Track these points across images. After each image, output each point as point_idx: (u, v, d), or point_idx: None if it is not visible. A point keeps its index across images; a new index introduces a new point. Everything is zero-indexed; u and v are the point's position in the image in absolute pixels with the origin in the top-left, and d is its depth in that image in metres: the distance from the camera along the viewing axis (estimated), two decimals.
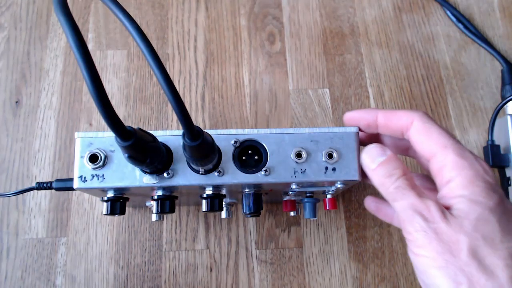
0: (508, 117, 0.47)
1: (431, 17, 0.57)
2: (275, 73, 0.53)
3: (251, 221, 0.46)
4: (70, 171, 0.47)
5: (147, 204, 0.41)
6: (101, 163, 0.30)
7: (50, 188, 0.37)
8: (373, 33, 0.56)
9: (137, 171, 0.31)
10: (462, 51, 0.55)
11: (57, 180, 0.37)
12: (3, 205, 0.46)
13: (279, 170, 0.31)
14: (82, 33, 0.21)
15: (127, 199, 0.35)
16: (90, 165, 0.30)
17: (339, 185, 0.33)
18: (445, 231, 0.23)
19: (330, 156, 0.31)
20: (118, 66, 0.52)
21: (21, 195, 0.46)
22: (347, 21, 0.56)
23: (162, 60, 0.23)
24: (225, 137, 0.32)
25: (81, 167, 0.30)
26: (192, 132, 0.25)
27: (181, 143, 0.27)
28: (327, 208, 0.38)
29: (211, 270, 0.45)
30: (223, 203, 0.38)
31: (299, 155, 0.31)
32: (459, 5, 0.58)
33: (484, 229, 0.23)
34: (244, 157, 0.32)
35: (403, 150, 0.33)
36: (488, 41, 0.55)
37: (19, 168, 0.47)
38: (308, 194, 0.37)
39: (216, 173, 0.31)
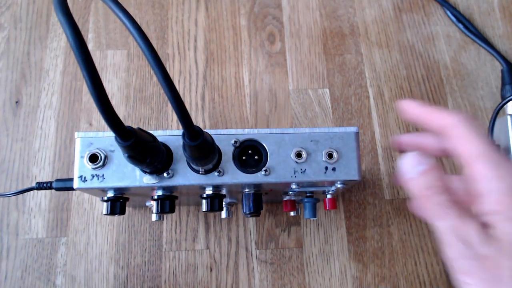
0: (508, 117, 0.47)
1: (431, 17, 0.57)
2: (275, 73, 0.53)
3: (251, 221, 0.46)
4: (70, 171, 0.47)
5: (147, 204, 0.41)
6: (101, 163, 0.30)
7: (50, 188, 0.37)
8: (373, 33, 0.56)
9: (137, 171, 0.31)
10: (462, 51, 0.55)
11: (57, 180, 0.37)
12: (3, 205, 0.46)
13: (279, 170, 0.31)
14: (82, 33, 0.21)
15: (127, 199, 0.35)
16: (90, 165, 0.30)
17: (339, 185, 0.33)
18: (487, 256, 0.22)
19: (330, 156, 0.31)
20: (118, 66, 0.52)
21: (21, 195, 0.46)
22: (347, 21, 0.56)
23: (162, 60, 0.23)
24: (225, 137, 0.32)
25: (81, 167, 0.30)
26: (192, 132, 0.25)
27: (181, 143, 0.27)
28: (327, 208, 0.38)
29: (211, 270, 0.45)
30: (223, 203, 0.38)
31: (299, 155, 0.31)
32: (459, 5, 0.58)
33: None
34: (244, 157, 0.32)
35: (442, 151, 0.31)
36: (488, 41, 0.55)
37: (19, 168, 0.47)
38: (308, 194, 0.37)
39: (216, 173, 0.31)
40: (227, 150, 0.32)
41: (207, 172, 0.31)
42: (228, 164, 0.31)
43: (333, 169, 0.31)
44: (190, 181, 0.31)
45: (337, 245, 0.46)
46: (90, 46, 0.53)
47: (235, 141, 0.32)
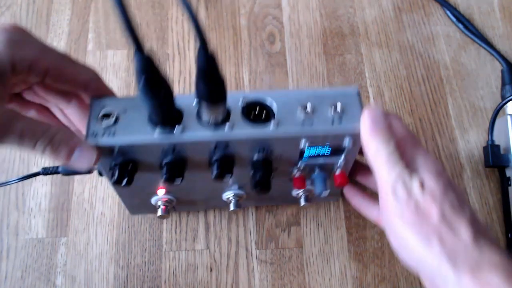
0: (508, 117, 0.47)
1: (431, 17, 0.57)
2: (275, 73, 0.53)
3: (251, 221, 0.46)
4: None
5: (152, 200, 0.41)
6: (113, 120, 0.31)
7: (56, 172, 0.37)
8: (373, 33, 0.56)
9: (148, 127, 0.31)
10: (462, 51, 0.55)
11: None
12: (3, 205, 0.46)
13: (287, 124, 0.32)
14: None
15: (135, 169, 0.34)
16: (102, 121, 0.31)
17: (347, 144, 0.34)
18: (422, 202, 0.28)
19: (335, 108, 0.33)
20: (118, 66, 0.52)
21: (21, 195, 0.46)
22: (347, 21, 0.56)
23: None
24: (232, 97, 0.32)
25: (93, 124, 0.31)
26: (207, 45, 0.26)
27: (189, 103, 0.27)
28: (338, 183, 0.38)
29: (211, 270, 0.45)
30: (231, 175, 0.37)
31: (305, 109, 0.32)
32: (459, 5, 0.58)
33: (449, 198, 0.28)
34: (252, 115, 0.33)
35: None
36: (488, 41, 0.55)
37: (19, 168, 0.47)
38: (317, 170, 0.38)
39: (225, 128, 0.31)
40: (234, 108, 0.32)
41: (216, 125, 0.31)
42: (237, 119, 0.32)
43: (340, 121, 0.32)
44: (200, 136, 0.31)
45: (337, 245, 0.46)
46: (90, 46, 0.53)
47: (242, 99, 0.32)
